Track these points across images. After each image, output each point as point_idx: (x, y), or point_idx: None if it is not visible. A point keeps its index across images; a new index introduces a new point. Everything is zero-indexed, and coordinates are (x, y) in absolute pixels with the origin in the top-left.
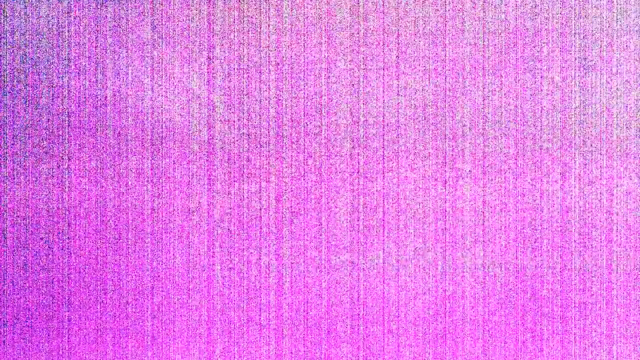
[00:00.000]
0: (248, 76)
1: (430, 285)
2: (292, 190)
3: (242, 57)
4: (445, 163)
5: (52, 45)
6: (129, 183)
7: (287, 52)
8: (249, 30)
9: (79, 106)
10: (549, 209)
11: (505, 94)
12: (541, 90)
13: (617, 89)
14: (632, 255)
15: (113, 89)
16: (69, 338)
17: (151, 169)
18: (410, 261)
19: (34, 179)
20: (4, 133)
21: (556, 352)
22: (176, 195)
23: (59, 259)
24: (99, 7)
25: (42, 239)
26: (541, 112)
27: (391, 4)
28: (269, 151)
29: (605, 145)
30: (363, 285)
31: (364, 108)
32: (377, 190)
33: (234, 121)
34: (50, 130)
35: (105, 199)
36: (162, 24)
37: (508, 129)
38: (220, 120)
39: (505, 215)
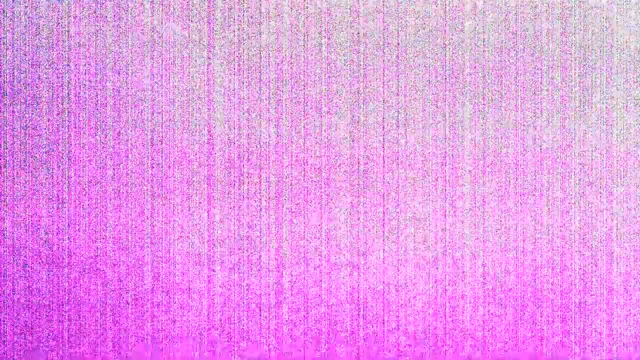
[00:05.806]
0: (248, 76)
1: (430, 285)
2: (292, 190)
3: (242, 57)
4: (446, 163)
5: (52, 45)
6: (129, 183)
7: (287, 52)
8: (249, 30)
9: (79, 106)
10: (549, 209)
11: (505, 94)
12: (541, 90)
13: (617, 89)
14: (632, 255)
15: (113, 89)
16: (68, 338)
17: (151, 169)
18: (411, 261)
19: (33, 179)
20: (4, 133)
21: (556, 352)
22: (176, 195)
23: (59, 259)
24: (99, 6)
25: (41, 238)
26: (541, 112)
27: (391, 4)
28: (269, 151)
29: (605, 145)
30: (363, 285)
31: (364, 108)
32: (377, 191)
33: (234, 121)
34: (50, 130)
35: (105, 199)
36: (162, 23)
37: (508, 129)
38: (220, 120)
39: (505, 215)
